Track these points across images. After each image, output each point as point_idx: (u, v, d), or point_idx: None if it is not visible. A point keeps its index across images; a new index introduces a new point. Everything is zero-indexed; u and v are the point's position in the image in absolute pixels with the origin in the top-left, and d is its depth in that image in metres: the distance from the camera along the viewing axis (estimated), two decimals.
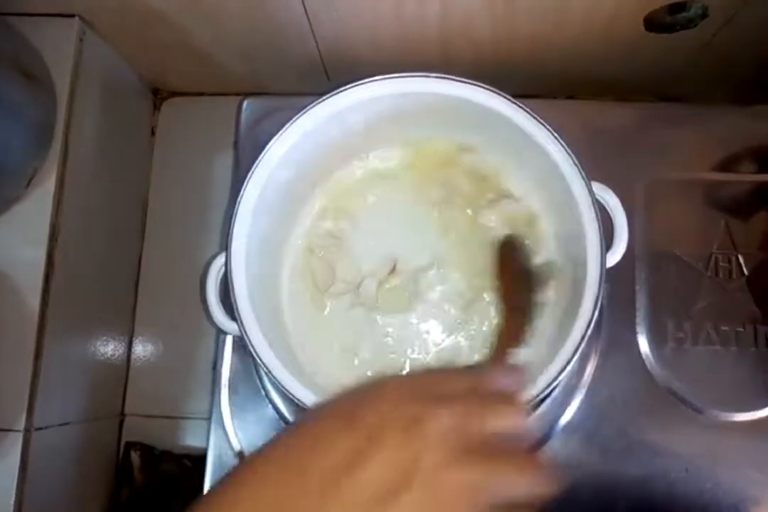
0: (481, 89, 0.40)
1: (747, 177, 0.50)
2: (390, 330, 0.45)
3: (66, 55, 0.47)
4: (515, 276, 0.40)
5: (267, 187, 0.40)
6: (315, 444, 0.25)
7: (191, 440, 0.57)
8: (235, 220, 0.39)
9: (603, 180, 0.41)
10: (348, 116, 0.41)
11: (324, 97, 0.40)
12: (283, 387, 0.37)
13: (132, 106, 0.60)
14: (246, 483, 0.25)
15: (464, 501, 0.24)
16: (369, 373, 0.44)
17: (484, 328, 0.45)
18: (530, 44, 0.51)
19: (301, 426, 0.27)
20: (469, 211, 0.46)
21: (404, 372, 0.31)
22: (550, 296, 0.43)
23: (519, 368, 0.31)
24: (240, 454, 0.46)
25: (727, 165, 0.50)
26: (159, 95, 0.63)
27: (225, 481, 0.25)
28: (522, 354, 0.40)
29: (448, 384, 0.28)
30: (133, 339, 0.60)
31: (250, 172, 0.40)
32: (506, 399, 0.28)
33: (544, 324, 0.43)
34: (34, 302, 0.45)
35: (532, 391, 0.37)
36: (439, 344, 0.44)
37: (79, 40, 0.48)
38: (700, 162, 0.50)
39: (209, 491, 0.26)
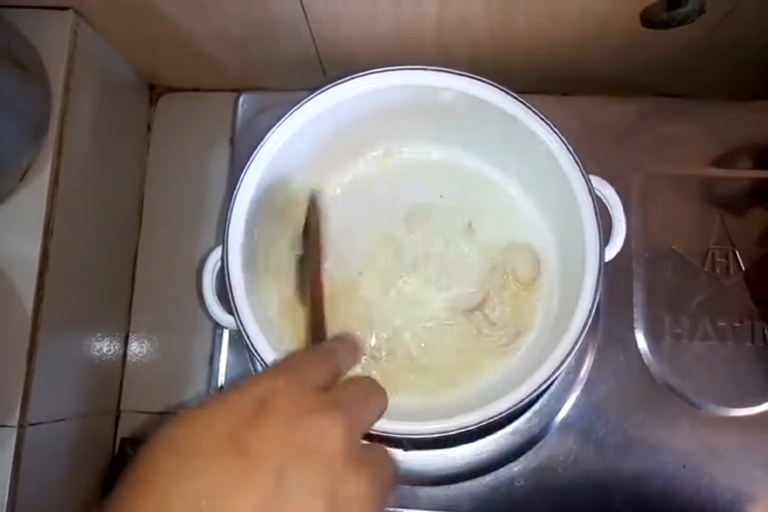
0: (480, 82, 0.40)
1: (744, 173, 0.50)
2: (387, 322, 0.44)
3: (60, 48, 0.47)
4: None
5: (264, 179, 0.40)
6: (210, 493, 0.21)
7: None
8: (231, 213, 0.39)
9: (600, 175, 0.42)
10: (345, 109, 0.41)
11: (322, 89, 0.40)
12: None
13: (128, 100, 0.60)
14: None
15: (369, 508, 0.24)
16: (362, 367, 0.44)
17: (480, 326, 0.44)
18: (527, 42, 0.51)
19: (179, 457, 0.22)
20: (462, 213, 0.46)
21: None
22: (546, 291, 0.43)
23: (348, 335, 0.35)
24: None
25: (724, 161, 0.50)
26: (155, 90, 0.63)
27: None
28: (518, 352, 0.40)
29: (314, 373, 0.27)
30: (129, 334, 0.59)
31: (247, 165, 0.40)
32: (371, 383, 0.29)
33: (541, 319, 0.43)
34: (29, 297, 0.45)
35: (530, 387, 0.37)
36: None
37: (73, 33, 0.47)
38: (697, 158, 0.50)
39: None
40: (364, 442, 0.26)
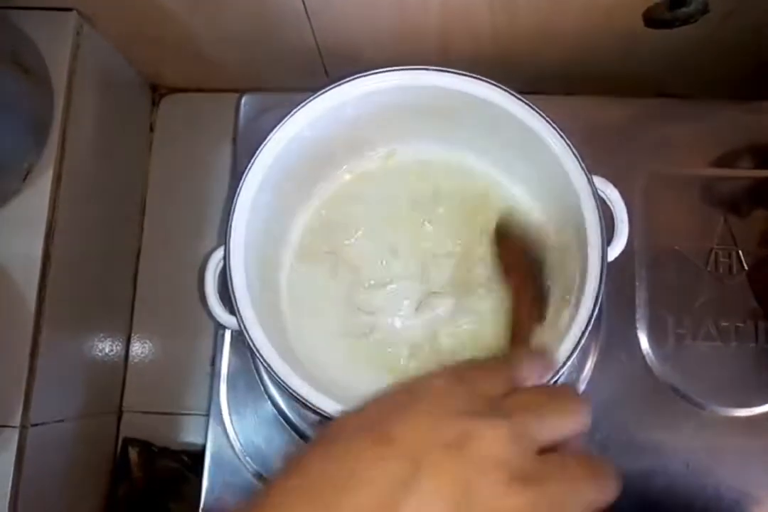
0: (482, 82, 0.39)
1: (747, 173, 0.50)
2: (390, 324, 0.44)
3: (63, 49, 0.47)
4: (517, 256, 0.39)
5: (266, 180, 0.40)
6: (348, 473, 0.21)
7: (190, 436, 0.57)
8: (233, 213, 0.39)
9: (603, 176, 0.41)
10: (348, 109, 0.41)
11: (324, 90, 0.40)
12: (281, 380, 0.37)
13: (130, 101, 0.60)
14: None
15: None
16: (366, 366, 0.44)
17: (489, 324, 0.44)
18: (529, 39, 0.51)
19: (327, 446, 0.23)
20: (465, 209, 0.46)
21: (429, 368, 0.28)
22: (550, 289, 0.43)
23: (544, 351, 0.31)
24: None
25: (726, 160, 0.50)
26: (158, 91, 0.63)
27: None
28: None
29: (486, 383, 0.24)
30: (132, 334, 0.59)
31: (249, 164, 0.40)
32: (559, 393, 0.25)
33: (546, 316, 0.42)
34: (31, 297, 0.45)
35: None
36: (438, 337, 0.44)
37: (76, 34, 0.48)
38: (699, 157, 0.50)
39: None
40: (554, 459, 0.23)
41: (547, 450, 0.23)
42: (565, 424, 0.24)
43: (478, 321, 0.44)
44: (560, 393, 0.25)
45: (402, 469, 0.21)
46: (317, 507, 0.21)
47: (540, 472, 0.22)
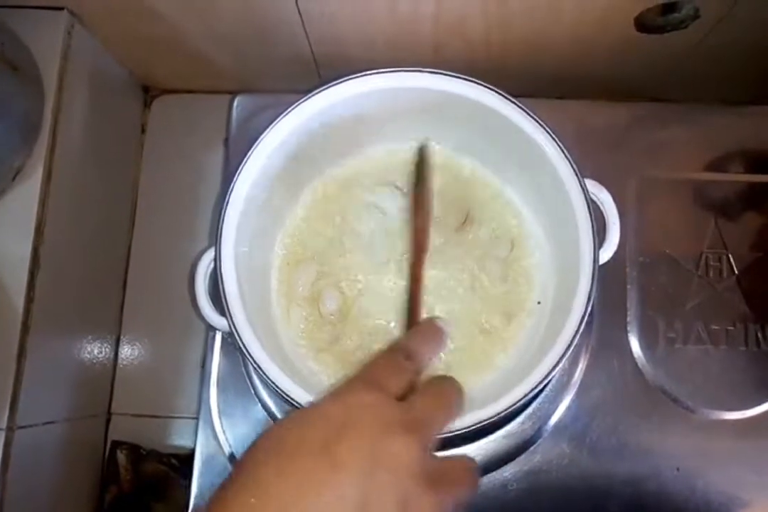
0: (474, 84, 0.40)
1: (737, 177, 0.50)
2: (380, 325, 0.44)
3: (54, 48, 0.46)
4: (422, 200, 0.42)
5: (257, 181, 0.40)
6: (303, 498, 0.24)
7: (179, 439, 0.57)
8: (224, 214, 0.39)
9: (594, 179, 0.42)
10: (339, 111, 0.41)
11: (316, 91, 0.40)
12: (271, 382, 0.37)
13: (122, 102, 0.60)
14: None
15: None
16: (354, 368, 0.43)
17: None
18: (523, 45, 0.51)
19: (278, 464, 0.25)
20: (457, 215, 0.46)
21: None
22: (541, 293, 0.43)
23: (432, 323, 0.36)
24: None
25: (717, 165, 0.50)
26: (149, 92, 0.63)
27: None
28: (513, 352, 0.40)
29: (393, 383, 0.30)
30: (121, 337, 0.59)
31: (241, 166, 0.40)
32: (446, 390, 0.31)
33: (535, 321, 0.42)
34: (19, 298, 0.44)
35: (523, 390, 0.37)
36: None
37: (67, 33, 0.47)
38: (690, 162, 0.50)
39: None
40: (442, 455, 0.29)
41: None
42: (452, 416, 0.31)
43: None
44: (444, 393, 0.31)
45: (351, 488, 0.25)
46: None
47: (440, 474, 0.27)
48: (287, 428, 0.27)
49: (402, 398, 0.30)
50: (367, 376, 0.30)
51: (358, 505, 0.24)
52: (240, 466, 0.26)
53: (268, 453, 0.26)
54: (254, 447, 0.27)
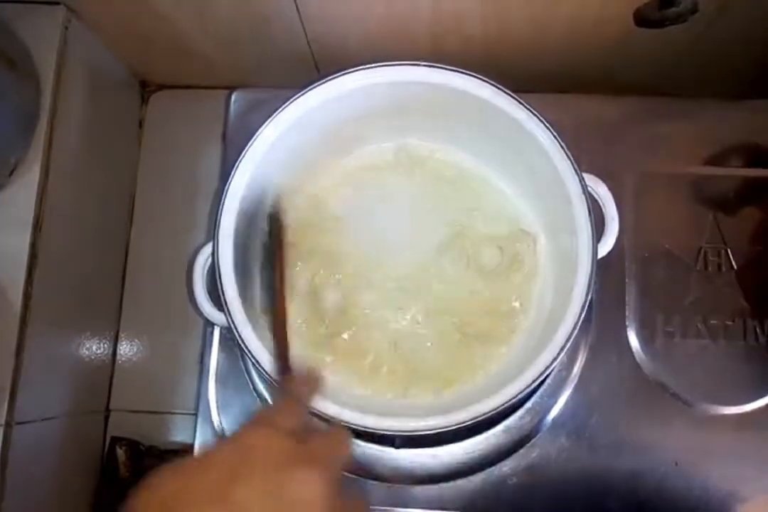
0: (472, 78, 0.39)
1: (736, 171, 0.50)
2: (375, 319, 0.44)
3: (51, 43, 0.46)
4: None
5: (254, 175, 0.40)
6: None
7: (178, 435, 0.57)
8: (222, 209, 0.39)
9: (592, 173, 0.42)
10: (337, 104, 0.41)
11: (313, 85, 0.40)
12: (269, 376, 0.37)
13: (119, 98, 0.60)
14: None
15: None
16: (351, 364, 0.44)
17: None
18: (520, 38, 0.51)
19: (177, 506, 0.24)
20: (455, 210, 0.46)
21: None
22: (539, 288, 0.43)
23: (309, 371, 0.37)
24: None
25: (716, 159, 0.50)
26: (147, 88, 0.63)
27: None
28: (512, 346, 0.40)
29: (288, 423, 0.29)
30: (119, 333, 0.59)
31: (238, 161, 0.40)
32: (334, 432, 0.32)
33: (534, 314, 0.42)
34: (17, 294, 0.44)
35: (521, 384, 0.37)
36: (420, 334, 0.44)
37: (64, 28, 0.47)
38: (689, 156, 0.50)
39: None
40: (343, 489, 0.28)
41: None
42: (345, 456, 0.31)
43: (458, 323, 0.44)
44: (338, 432, 0.32)
45: None
46: None
47: (344, 506, 0.27)
48: (176, 476, 0.25)
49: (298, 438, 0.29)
50: (258, 418, 0.30)
51: None
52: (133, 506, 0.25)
53: (156, 506, 0.24)
54: (137, 501, 0.25)
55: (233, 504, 0.24)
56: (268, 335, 0.40)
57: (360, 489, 0.32)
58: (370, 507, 0.34)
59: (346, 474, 0.42)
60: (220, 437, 0.29)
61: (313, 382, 0.36)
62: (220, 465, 0.25)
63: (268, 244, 0.43)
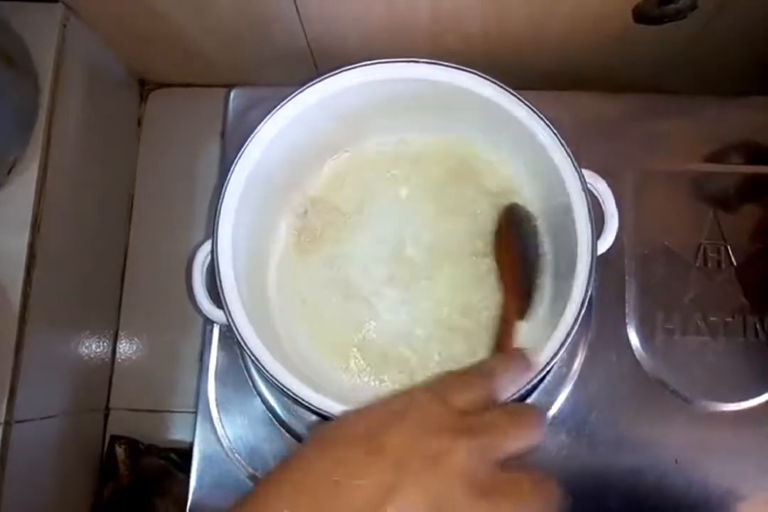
0: (471, 75, 0.39)
1: (736, 168, 0.50)
2: (380, 318, 0.44)
3: (49, 41, 0.46)
4: (516, 250, 0.41)
5: (254, 172, 0.40)
6: (339, 475, 0.25)
7: (177, 434, 0.57)
8: (221, 206, 0.39)
9: (592, 170, 0.41)
10: (336, 102, 0.41)
11: (312, 82, 0.40)
12: (269, 374, 0.37)
13: (118, 96, 0.60)
14: (272, 506, 0.24)
15: None
16: (354, 361, 0.43)
17: (481, 321, 0.44)
18: (520, 37, 0.51)
19: (322, 448, 0.26)
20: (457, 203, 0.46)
21: (416, 377, 0.35)
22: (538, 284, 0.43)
23: (522, 354, 0.34)
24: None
25: (716, 156, 0.50)
26: (146, 86, 0.63)
27: (255, 498, 0.25)
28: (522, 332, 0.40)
29: (460, 400, 0.28)
30: (119, 331, 0.59)
31: (237, 157, 0.39)
32: (521, 413, 0.29)
33: (533, 312, 0.42)
34: (16, 293, 0.44)
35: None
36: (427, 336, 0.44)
37: (62, 26, 0.47)
38: (689, 153, 0.50)
39: None
40: (517, 473, 0.27)
41: (508, 460, 0.27)
42: (523, 442, 0.28)
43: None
44: (522, 413, 0.29)
45: (389, 477, 0.24)
46: (312, 501, 0.24)
47: (498, 485, 0.26)
48: (336, 424, 0.28)
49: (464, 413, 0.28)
50: (435, 386, 0.29)
51: (384, 492, 0.24)
52: (288, 457, 0.27)
53: (325, 435, 0.27)
54: (305, 441, 0.28)
55: (371, 445, 0.25)
56: (270, 331, 0.40)
57: (550, 477, 0.28)
58: None
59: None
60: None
61: (519, 369, 0.33)
62: (382, 412, 0.27)
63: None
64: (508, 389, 0.31)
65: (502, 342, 0.39)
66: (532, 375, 0.34)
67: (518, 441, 0.28)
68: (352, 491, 0.24)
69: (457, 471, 0.25)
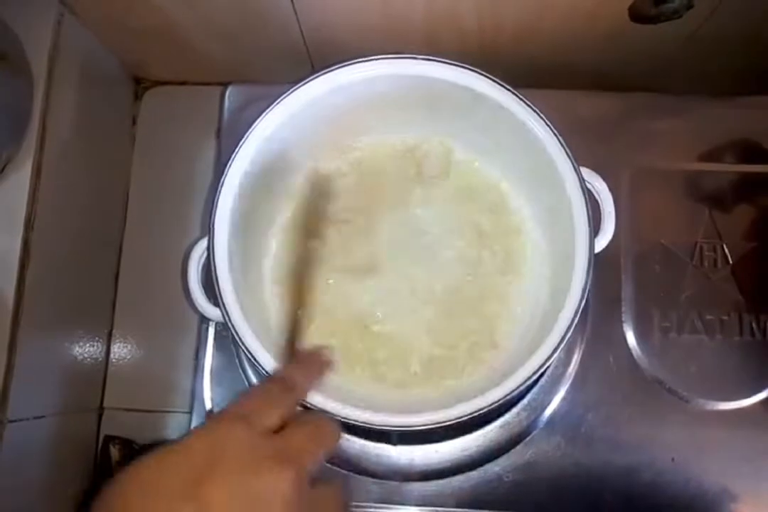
0: (469, 71, 0.39)
1: (731, 167, 0.50)
2: (375, 316, 0.44)
3: (44, 38, 0.46)
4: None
5: (250, 170, 0.40)
6: None
7: (172, 434, 0.56)
8: (217, 203, 0.39)
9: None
10: (333, 99, 0.41)
11: (308, 79, 0.40)
12: (266, 372, 0.37)
13: (113, 94, 0.59)
14: None
15: None
16: (348, 357, 0.43)
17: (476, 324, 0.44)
18: (515, 35, 0.51)
19: (143, 502, 0.24)
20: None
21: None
22: (535, 282, 0.43)
23: (318, 354, 0.35)
24: None
25: (711, 155, 0.50)
26: (141, 84, 0.63)
27: None
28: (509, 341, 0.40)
29: (267, 418, 0.29)
30: (113, 331, 0.58)
31: (233, 155, 0.39)
32: (322, 423, 0.31)
33: (531, 310, 0.42)
34: (9, 292, 0.44)
35: (518, 380, 0.37)
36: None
37: (57, 23, 0.47)
38: (684, 152, 0.50)
39: None
40: (317, 485, 0.28)
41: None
42: (325, 455, 0.29)
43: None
44: (321, 425, 0.31)
45: None
46: None
47: (311, 505, 0.27)
48: (149, 470, 0.25)
49: (277, 431, 0.28)
50: (237, 409, 0.29)
51: None
52: (104, 500, 0.25)
53: (128, 498, 0.25)
54: (110, 493, 0.25)
55: (199, 503, 0.24)
56: (266, 329, 0.39)
57: (343, 484, 0.30)
58: (368, 503, 0.33)
59: (338, 468, 0.41)
60: (196, 427, 0.29)
61: (317, 373, 0.34)
62: (192, 460, 0.26)
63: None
64: (309, 389, 0.34)
65: (295, 345, 0.38)
66: (329, 371, 0.35)
67: (321, 455, 0.29)
68: None
69: (281, 505, 0.25)
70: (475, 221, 0.45)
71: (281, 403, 0.30)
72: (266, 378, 0.34)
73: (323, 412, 0.36)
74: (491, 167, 0.46)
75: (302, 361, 0.35)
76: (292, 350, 0.37)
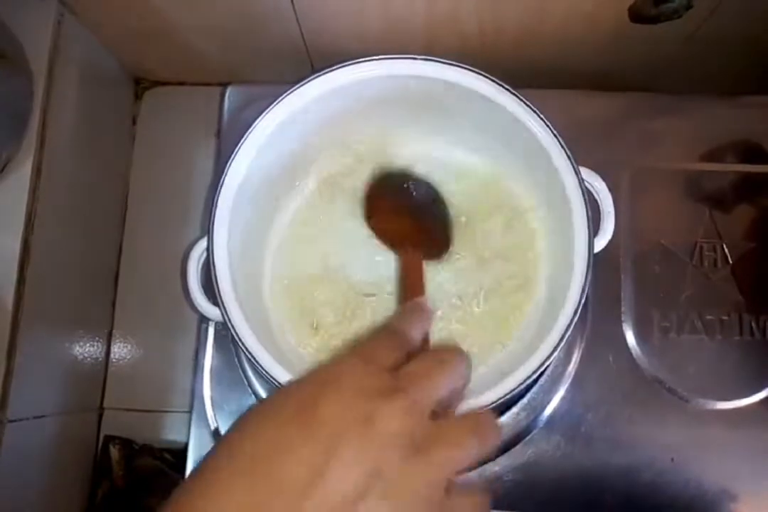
0: (468, 72, 0.39)
1: (731, 167, 0.50)
2: (377, 316, 0.44)
3: (43, 38, 0.46)
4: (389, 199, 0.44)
5: (250, 169, 0.40)
6: (281, 452, 0.24)
7: (172, 434, 0.56)
8: (217, 203, 0.39)
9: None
10: (332, 99, 0.41)
11: (308, 79, 0.40)
12: (265, 371, 0.37)
13: (113, 94, 0.59)
14: (210, 493, 0.24)
15: (428, 499, 0.25)
16: None
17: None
18: (516, 36, 0.51)
19: (260, 427, 0.26)
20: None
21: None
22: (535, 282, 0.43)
23: (421, 302, 0.35)
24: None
25: (711, 155, 0.50)
26: (141, 84, 0.63)
27: (187, 490, 0.24)
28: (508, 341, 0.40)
29: (383, 356, 0.28)
30: (113, 331, 0.58)
31: (233, 155, 0.39)
32: (446, 355, 0.29)
33: (530, 309, 0.42)
34: (9, 292, 0.44)
35: (516, 380, 0.37)
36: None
37: (57, 23, 0.47)
38: (684, 152, 0.50)
39: (174, 497, 0.25)
40: (444, 423, 0.27)
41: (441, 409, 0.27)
42: (451, 382, 0.28)
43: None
44: (444, 357, 0.29)
45: (324, 450, 0.24)
46: (252, 480, 0.24)
47: (432, 436, 0.26)
48: (271, 398, 0.27)
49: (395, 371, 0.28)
50: (357, 350, 0.29)
51: (320, 465, 0.23)
52: (228, 432, 0.26)
53: (243, 428, 0.26)
54: (231, 427, 0.27)
55: (302, 421, 0.25)
56: (265, 328, 0.39)
57: (486, 490, 0.28)
58: None
59: None
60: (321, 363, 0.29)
61: (423, 322, 0.33)
62: (310, 385, 0.27)
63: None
64: (420, 336, 0.32)
65: (407, 292, 0.39)
66: (432, 321, 0.35)
67: (446, 387, 0.28)
68: (287, 470, 0.24)
69: (392, 432, 0.25)
70: (473, 221, 0.45)
71: (396, 347, 0.30)
72: (378, 327, 0.32)
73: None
74: (492, 165, 0.46)
75: (407, 311, 0.35)
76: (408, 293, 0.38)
